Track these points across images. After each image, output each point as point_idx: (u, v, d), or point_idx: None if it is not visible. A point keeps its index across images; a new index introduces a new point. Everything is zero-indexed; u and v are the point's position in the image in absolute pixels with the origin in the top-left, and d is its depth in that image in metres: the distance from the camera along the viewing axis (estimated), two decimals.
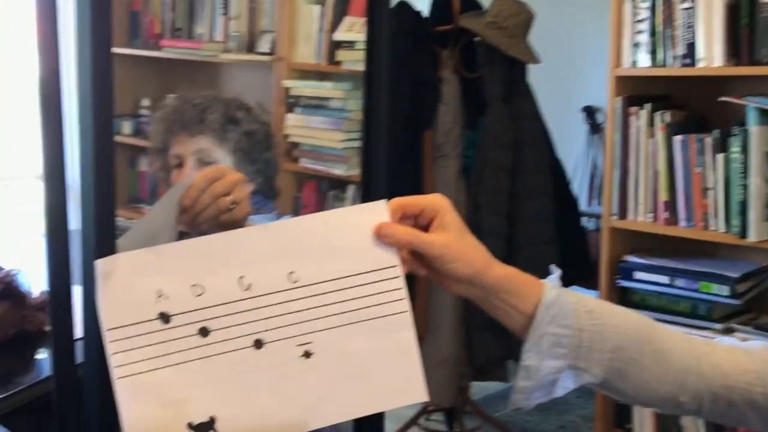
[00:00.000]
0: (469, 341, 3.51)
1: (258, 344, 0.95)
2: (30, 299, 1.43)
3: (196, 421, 0.93)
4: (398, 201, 1.02)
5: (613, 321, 1.07)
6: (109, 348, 0.91)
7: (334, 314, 0.97)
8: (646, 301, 3.04)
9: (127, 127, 4.78)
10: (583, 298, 1.08)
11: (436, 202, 1.03)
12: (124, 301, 0.92)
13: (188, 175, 1.84)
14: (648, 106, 2.95)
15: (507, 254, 3.31)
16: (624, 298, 3.09)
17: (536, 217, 3.45)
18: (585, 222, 4.87)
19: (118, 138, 4.66)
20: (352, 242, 0.97)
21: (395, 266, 0.98)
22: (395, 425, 3.86)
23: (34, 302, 1.44)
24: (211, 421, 0.93)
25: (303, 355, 0.96)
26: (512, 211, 3.44)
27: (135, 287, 0.92)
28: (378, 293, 0.98)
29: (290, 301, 0.95)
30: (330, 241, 0.97)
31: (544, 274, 1.11)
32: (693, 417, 2.70)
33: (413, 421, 3.95)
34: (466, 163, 3.53)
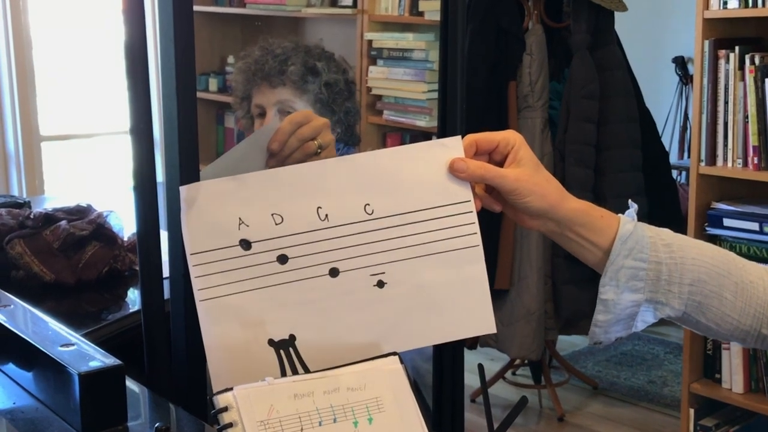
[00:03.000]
0: (555, 295, 3.50)
1: (333, 272, 0.97)
2: (121, 240, 1.48)
3: (277, 338, 0.96)
4: (472, 136, 1.03)
5: (692, 254, 1.05)
6: (192, 272, 0.94)
7: (407, 246, 0.99)
8: (735, 249, 2.98)
9: (213, 84, 4.86)
10: (660, 231, 1.07)
11: (509, 137, 1.03)
12: (207, 227, 0.95)
13: (272, 121, 1.87)
14: (737, 49, 2.87)
15: None
16: None
17: (623, 169, 3.40)
18: (676, 176, 4.78)
19: (204, 95, 4.75)
20: (426, 176, 0.99)
21: (468, 201, 1.00)
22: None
23: (124, 243, 1.49)
24: (291, 339, 0.96)
25: (376, 285, 0.98)
26: (599, 162, 3.40)
27: (217, 214, 0.95)
28: (451, 227, 0.99)
29: (365, 232, 0.98)
30: (405, 175, 0.99)
31: None
32: None
33: (499, 375, 3.96)
34: (551, 114, 3.49)
